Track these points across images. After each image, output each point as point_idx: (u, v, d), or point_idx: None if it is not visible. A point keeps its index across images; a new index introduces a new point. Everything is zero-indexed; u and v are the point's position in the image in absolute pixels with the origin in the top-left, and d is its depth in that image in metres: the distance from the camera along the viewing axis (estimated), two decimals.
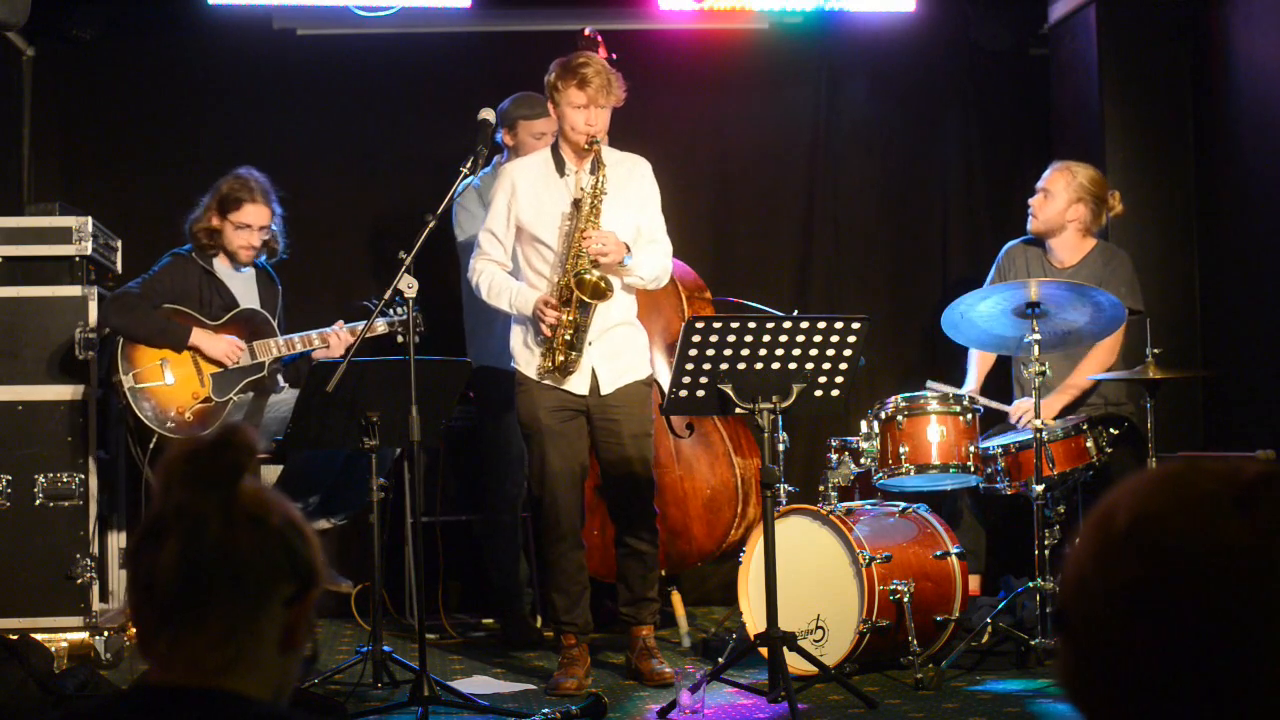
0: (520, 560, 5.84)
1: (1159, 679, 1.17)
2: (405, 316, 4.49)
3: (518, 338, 4.85)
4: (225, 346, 5.16)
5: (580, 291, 4.63)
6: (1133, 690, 1.19)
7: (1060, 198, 5.44)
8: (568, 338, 4.69)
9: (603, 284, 4.63)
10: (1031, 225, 5.52)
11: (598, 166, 4.71)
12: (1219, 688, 1.15)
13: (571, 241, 4.70)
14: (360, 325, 5.11)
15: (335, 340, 5.23)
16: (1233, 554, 1.16)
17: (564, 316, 4.67)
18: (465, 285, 5.74)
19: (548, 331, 4.68)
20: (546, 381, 4.77)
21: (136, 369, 5.09)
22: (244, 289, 5.36)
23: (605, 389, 4.78)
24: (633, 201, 4.82)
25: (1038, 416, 4.80)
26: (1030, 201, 5.53)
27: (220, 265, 5.31)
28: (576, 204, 4.72)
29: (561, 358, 4.71)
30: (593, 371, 4.78)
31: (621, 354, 4.82)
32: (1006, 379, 5.67)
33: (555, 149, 4.86)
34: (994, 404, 5.45)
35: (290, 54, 6.42)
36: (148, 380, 5.09)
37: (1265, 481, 1.19)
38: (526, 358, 4.82)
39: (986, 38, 6.61)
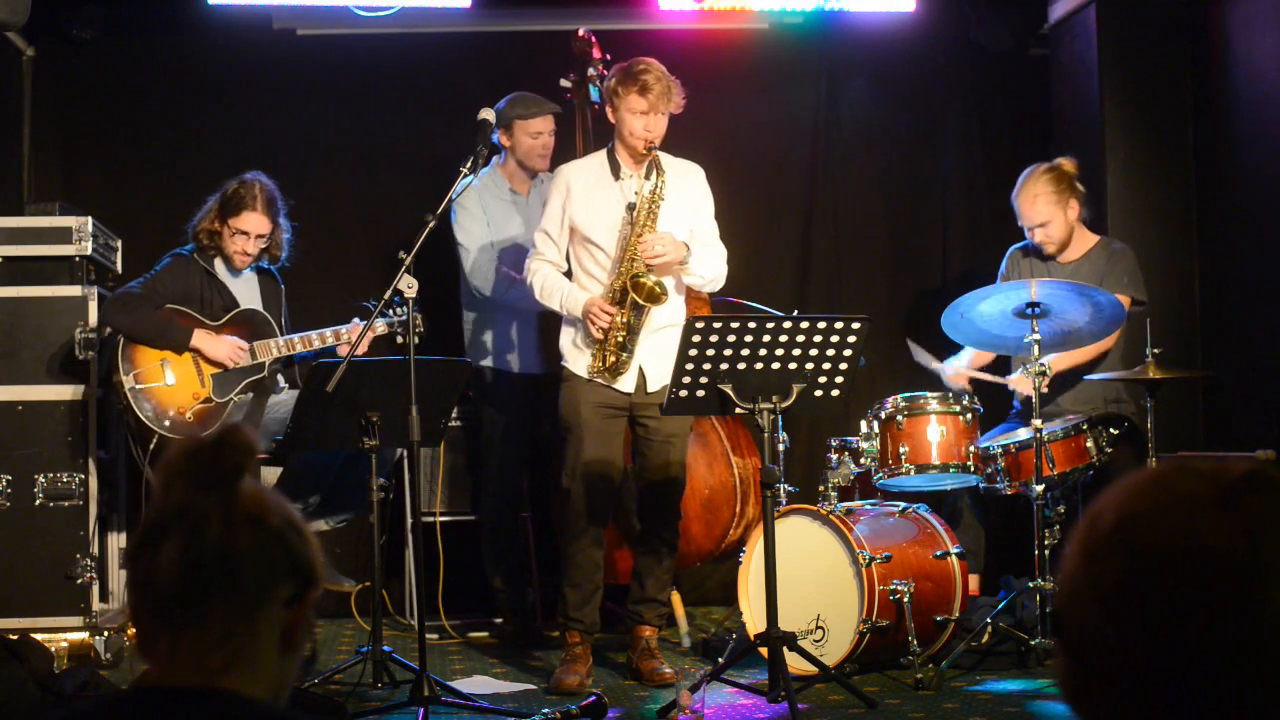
0: (521, 560, 5.84)
1: (1149, 680, 1.17)
2: (405, 317, 4.48)
3: (568, 337, 4.90)
4: (227, 349, 5.16)
5: (636, 294, 4.66)
6: (1125, 692, 1.19)
7: (1058, 219, 5.42)
8: (620, 339, 4.74)
9: (658, 289, 4.67)
10: (1049, 251, 5.49)
11: (657, 172, 4.75)
12: (1207, 689, 1.15)
13: (628, 245, 4.72)
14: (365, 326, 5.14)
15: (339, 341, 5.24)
16: (1216, 553, 1.16)
17: (617, 318, 4.70)
18: (465, 285, 5.76)
19: (597, 334, 4.72)
20: (597, 381, 4.80)
21: (137, 369, 5.09)
22: (245, 290, 5.35)
23: (651, 386, 4.82)
24: (686, 206, 4.87)
25: (1037, 416, 4.81)
26: (1035, 239, 5.47)
27: (221, 266, 5.31)
28: (631, 208, 4.76)
29: (613, 359, 4.76)
30: (640, 370, 4.81)
31: (669, 354, 4.85)
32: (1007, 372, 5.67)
33: (611, 152, 4.89)
34: (988, 376, 5.47)
35: (290, 54, 6.42)
36: (148, 380, 5.09)
37: (1249, 481, 1.19)
38: (576, 356, 4.86)
39: (987, 38, 6.61)
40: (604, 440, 4.83)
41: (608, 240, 4.81)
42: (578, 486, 4.82)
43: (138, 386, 5.07)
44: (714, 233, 4.96)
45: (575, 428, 4.84)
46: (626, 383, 4.82)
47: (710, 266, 4.87)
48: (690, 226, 4.87)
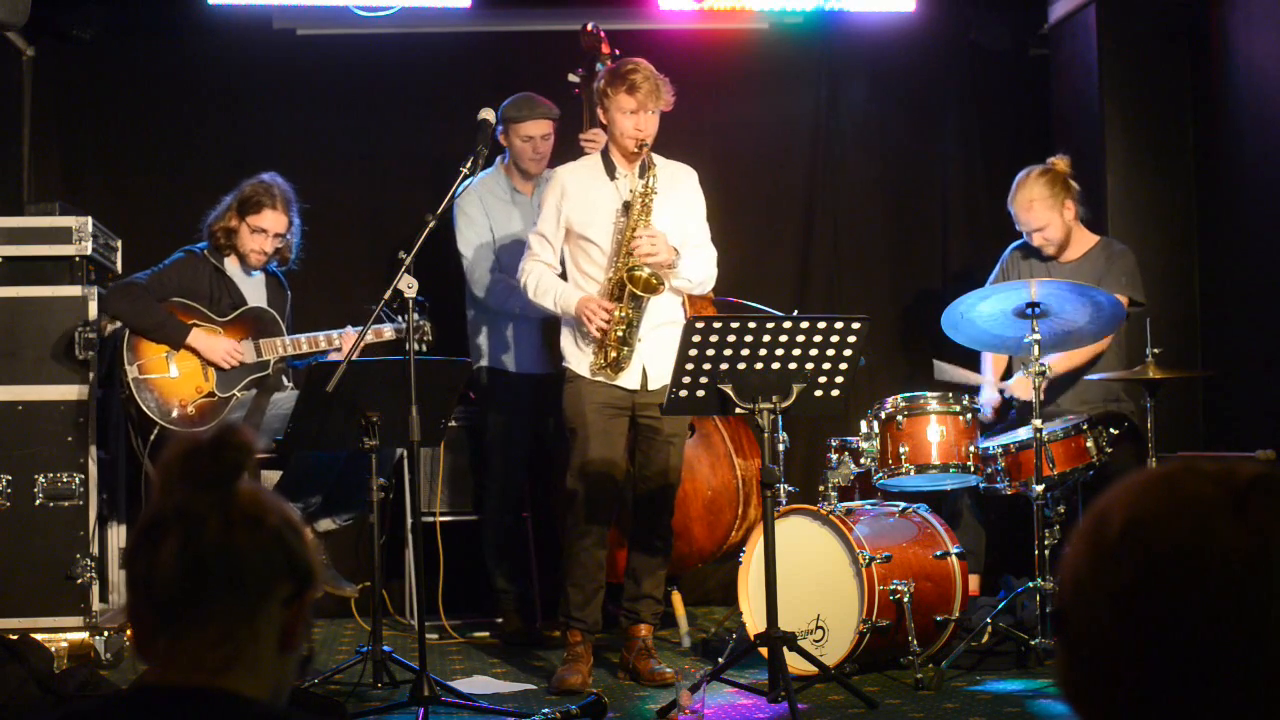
0: (522, 560, 5.84)
1: (1156, 682, 1.17)
2: (412, 323, 4.48)
3: (568, 337, 4.91)
4: (224, 349, 5.16)
5: (633, 286, 4.68)
6: (1130, 693, 1.18)
7: (1055, 222, 5.42)
8: (620, 334, 4.75)
9: (654, 279, 4.69)
10: (1049, 253, 5.49)
11: (647, 168, 4.76)
12: (1216, 692, 1.15)
13: (623, 239, 4.74)
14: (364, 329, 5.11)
15: (346, 344, 5.22)
16: (1227, 557, 1.15)
17: (616, 312, 4.71)
18: (466, 285, 5.76)
19: (595, 333, 4.73)
20: (599, 379, 4.81)
21: (141, 360, 5.12)
22: (253, 291, 5.39)
23: (653, 385, 4.84)
24: (679, 208, 4.89)
25: (1038, 416, 4.81)
26: (1034, 242, 5.48)
27: (231, 265, 5.34)
28: (627, 206, 4.77)
29: (614, 354, 4.77)
30: (643, 368, 4.83)
31: (670, 351, 4.86)
32: (1008, 376, 5.67)
33: (605, 153, 4.92)
34: (978, 379, 5.51)
35: (290, 54, 6.42)
36: (152, 372, 5.13)
37: (1259, 483, 1.18)
38: (578, 356, 4.87)
39: (986, 38, 6.61)
40: (608, 440, 4.84)
41: (604, 237, 4.82)
42: (582, 486, 4.83)
43: (141, 377, 5.10)
44: (705, 234, 4.99)
45: (580, 428, 4.85)
46: (630, 379, 4.83)
47: (699, 270, 4.89)
48: (682, 228, 4.88)
